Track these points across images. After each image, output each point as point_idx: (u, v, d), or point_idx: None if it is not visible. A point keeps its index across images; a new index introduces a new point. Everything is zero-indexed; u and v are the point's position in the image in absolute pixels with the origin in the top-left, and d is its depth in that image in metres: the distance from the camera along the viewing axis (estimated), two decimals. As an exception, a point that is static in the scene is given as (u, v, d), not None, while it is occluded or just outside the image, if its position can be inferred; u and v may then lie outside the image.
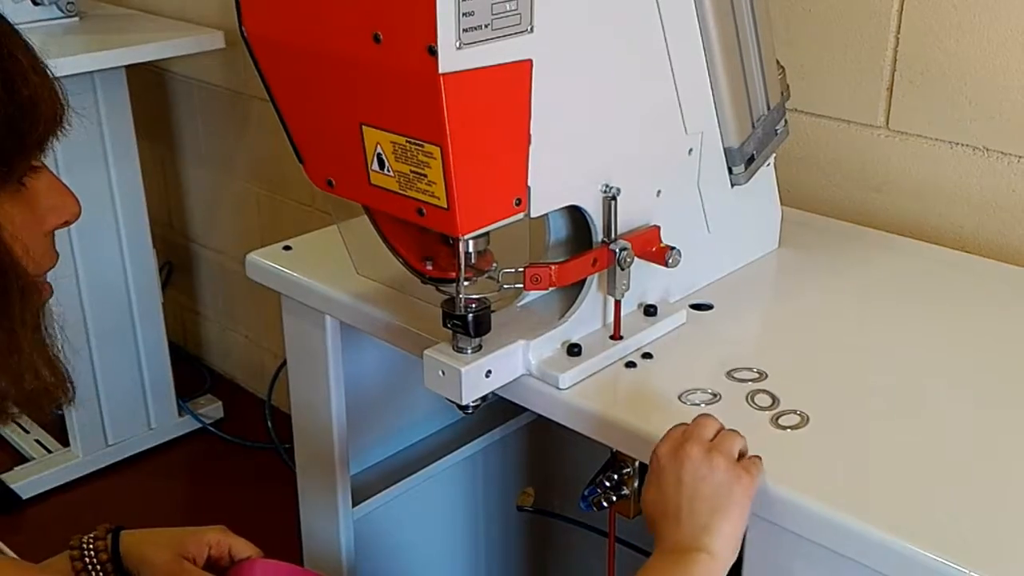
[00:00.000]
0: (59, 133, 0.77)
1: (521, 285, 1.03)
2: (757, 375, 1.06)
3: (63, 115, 0.77)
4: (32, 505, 2.39)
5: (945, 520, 0.85)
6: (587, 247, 1.08)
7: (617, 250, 1.06)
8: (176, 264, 2.94)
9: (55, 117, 0.76)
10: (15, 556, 0.78)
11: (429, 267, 1.07)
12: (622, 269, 1.07)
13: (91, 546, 1.05)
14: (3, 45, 0.73)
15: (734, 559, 0.89)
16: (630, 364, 1.09)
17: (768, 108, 1.25)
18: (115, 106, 2.32)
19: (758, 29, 1.20)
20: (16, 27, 0.75)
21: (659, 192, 1.14)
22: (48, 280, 0.82)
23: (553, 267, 1.03)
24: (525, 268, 1.02)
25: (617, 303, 1.09)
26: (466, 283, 1.01)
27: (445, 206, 0.92)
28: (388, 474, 1.43)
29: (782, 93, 1.29)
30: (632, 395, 1.05)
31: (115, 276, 2.41)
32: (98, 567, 1.05)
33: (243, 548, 1.08)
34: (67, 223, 0.81)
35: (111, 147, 2.33)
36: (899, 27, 1.42)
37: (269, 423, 2.51)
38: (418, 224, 0.97)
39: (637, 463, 1.17)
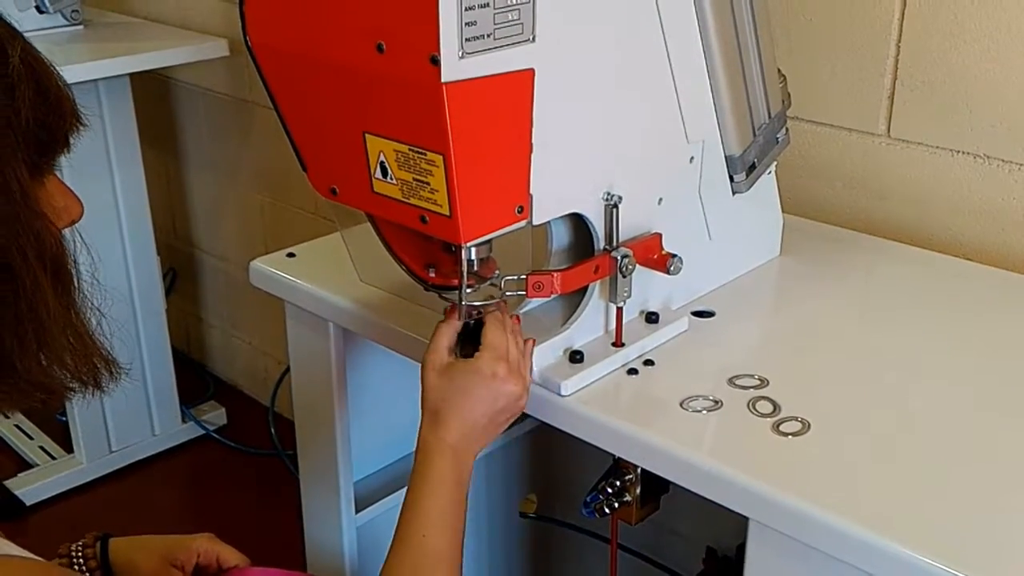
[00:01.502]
0: (80, 130, 0.81)
1: (524, 292, 1.03)
2: (758, 382, 1.06)
3: (80, 114, 0.80)
4: (36, 511, 2.39)
5: (946, 526, 0.85)
6: (589, 254, 1.09)
7: (619, 257, 1.07)
8: (180, 271, 2.95)
9: (76, 115, 0.80)
10: (29, 554, 0.79)
11: (432, 274, 1.07)
12: (624, 276, 1.07)
13: (80, 554, 1.07)
14: (28, 50, 0.76)
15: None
16: (632, 371, 1.09)
17: (769, 116, 1.26)
18: (119, 113, 2.33)
19: (759, 37, 1.21)
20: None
21: (660, 200, 1.14)
22: None
23: (555, 275, 1.03)
24: (527, 275, 1.03)
25: (619, 310, 1.10)
26: (469, 290, 1.02)
27: (448, 214, 0.93)
28: (391, 480, 1.43)
29: (783, 101, 1.30)
30: (634, 402, 1.05)
31: (119, 282, 2.41)
32: (87, 574, 1.06)
33: (230, 556, 1.09)
34: (72, 223, 0.83)
35: (115, 154, 2.33)
36: (900, 35, 1.42)
37: (272, 430, 2.51)
38: (421, 232, 0.98)
39: (639, 470, 1.17)
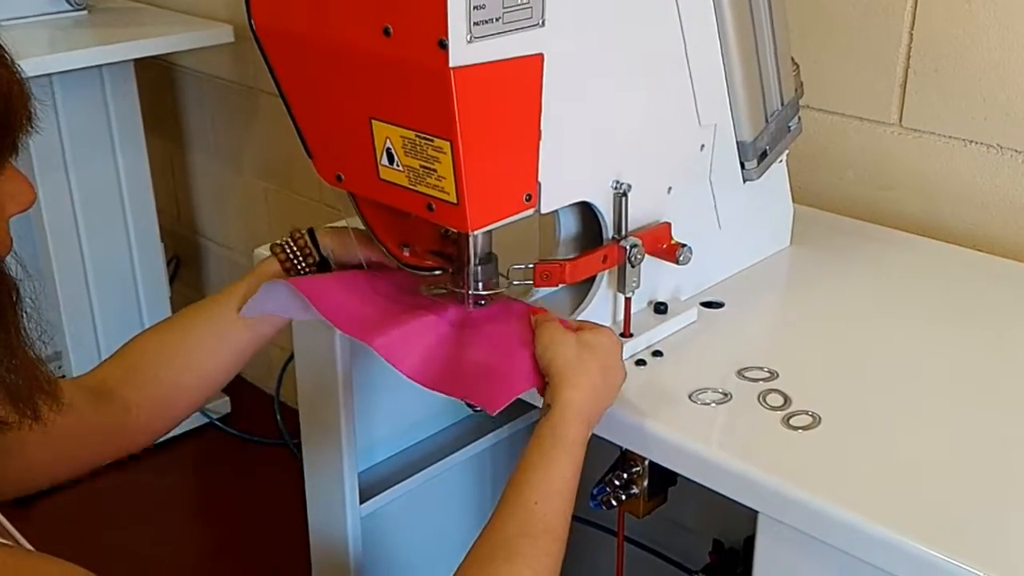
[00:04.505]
0: (31, 132, 0.77)
1: (531, 282, 1.02)
2: (768, 374, 1.05)
3: (33, 114, 0.77)
4: (42, 498, 2.38)
5: (957, 521, 0.84)
6: (597, 244, 1.08)
7: (628, 247, 1.05)
8: (184, 258, 2.94)
9: (28, 117, 0.76)
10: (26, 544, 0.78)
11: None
12: (632, 266, 1.06)
13: (292, 247, 1.13)
14: None
15: None
16: (640, 362, 1.08)
17: (782, 104, 1.24)
18: (123, 100, 2.31)
19: (774, 24, 1.20)
20: None
21: (670, 189, 1.13)
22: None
23: (563, 264, 1.02)
24: (535, 265, 1.02)
25: (627, 300, 1.09)
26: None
27: (455, 201, 0.91)
28: (396, 471, 1.43)
29: (796, 89, 1.29)
30: (642, 393, 1.04)
31: (123, 269, 2.41)
32: (302, 261, 1.14)
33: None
34: (23, 210, 0.80)
35: (119, 141, 2.32)
36: (913, 23, 1.41)
37: (278, 418, 2.51)
38: (428, 219, 0.97)
39: (647, 462, 1.16)
